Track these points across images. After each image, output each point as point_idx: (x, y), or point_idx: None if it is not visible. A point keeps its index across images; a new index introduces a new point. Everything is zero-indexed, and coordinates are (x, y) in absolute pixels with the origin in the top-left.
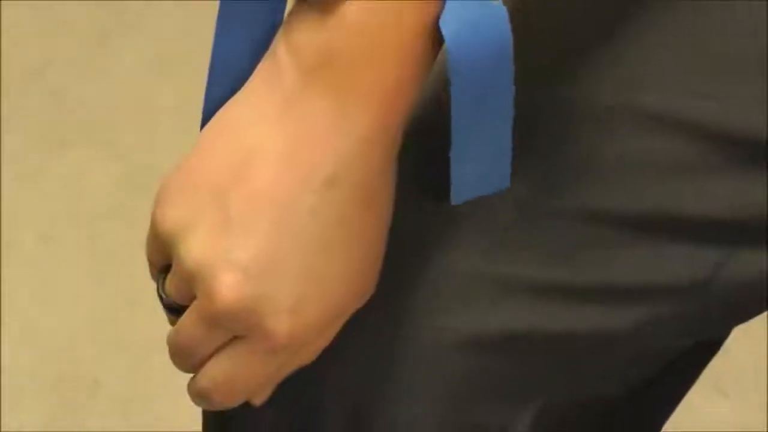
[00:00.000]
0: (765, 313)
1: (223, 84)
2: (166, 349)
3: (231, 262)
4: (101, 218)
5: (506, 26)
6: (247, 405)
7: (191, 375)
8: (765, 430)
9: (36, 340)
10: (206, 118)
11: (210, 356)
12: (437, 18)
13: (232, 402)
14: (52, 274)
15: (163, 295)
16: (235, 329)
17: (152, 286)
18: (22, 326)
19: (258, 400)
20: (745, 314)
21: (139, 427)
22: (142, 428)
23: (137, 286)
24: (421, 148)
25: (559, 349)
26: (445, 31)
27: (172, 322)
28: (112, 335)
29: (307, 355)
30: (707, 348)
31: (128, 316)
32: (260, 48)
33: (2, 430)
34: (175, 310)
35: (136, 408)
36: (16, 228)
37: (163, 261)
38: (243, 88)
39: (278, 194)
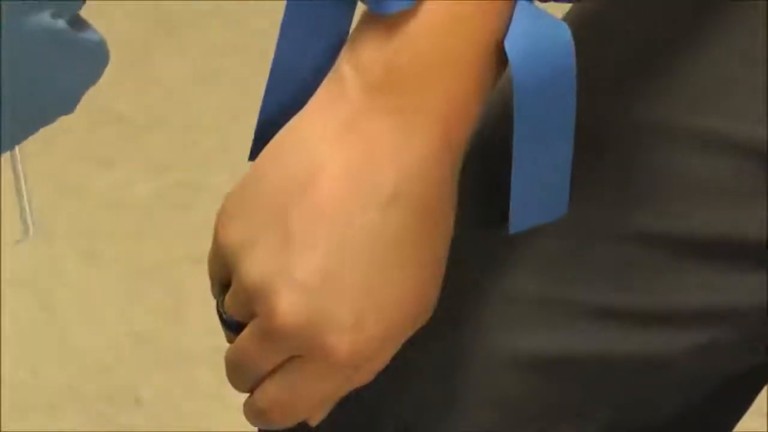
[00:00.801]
0: None
1: (282, 98)
2: (207, 365)
3: (291, 279)
4: (142, 234)
5: (570, 49)
6: (303, 424)
7: (234, 392)
8: (765, 428)
9: (77, 356)
10: (261, 127)
11: (268, 375)
12: (503, 37)
13: (290, 421)
14: (93, 290)
15: (223, 313)
16: (295, 348)
17: (193, 301)
18: (63, 342)
19: (315, 420)
20: None
21: None
22: None
23: (178, 303)
24: (482, 168)
25: (614, 372)
26: (510, 51)
27: (230, 340)
28: (153, 352)
29: (366, 374)
30: (761, 372)
31: (169, 332)
32: (323, 62)
33: None
34: (234, 328)
35: (177, 425)
36: (58, 244)
37: (224, 278)
38: (307, 105)
39: (339, 212)
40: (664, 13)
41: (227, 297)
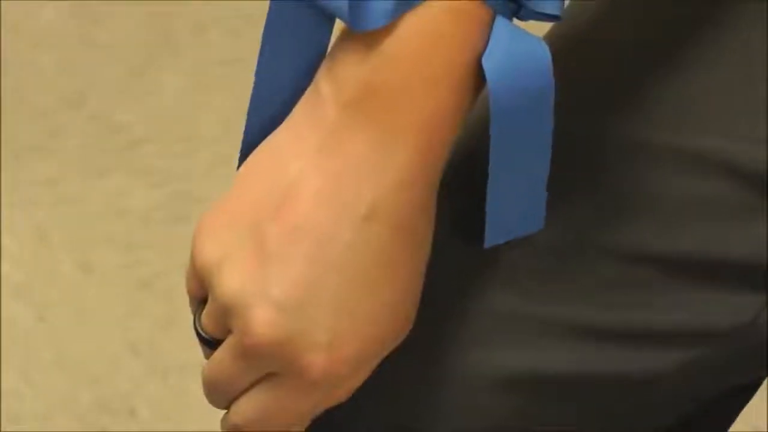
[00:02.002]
0: None
1: (264, 114)
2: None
3: (266, 297)
4: (139, 245)
5: (549, 66)
6: None
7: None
8: (765, 428)
9: (72, 366)
10: (246, 147)
11: (244, 391)
12: (481, 55)
13: None
14: (89, 300)
15: (199, 329)
16: (270, 365)
17: (189, 313)
18: (59, 352)
19: None
20: None
21: None
22: None
23: (174, 313)
24: (460, 184)
25: (596, 390)
26: (488, 68)
27: (207, 356)
28: (148, 363)
29: (342, 392)
30: (743, 391)
31: (165, 343)
32: (303, 79)
33: None
34: (210, 344)
35: (175, 428)
36: (55, 253)
37: (201, 294)
38: (285, 121)
39: (316, 229)
40: (648, 31)
41: (204, 313)
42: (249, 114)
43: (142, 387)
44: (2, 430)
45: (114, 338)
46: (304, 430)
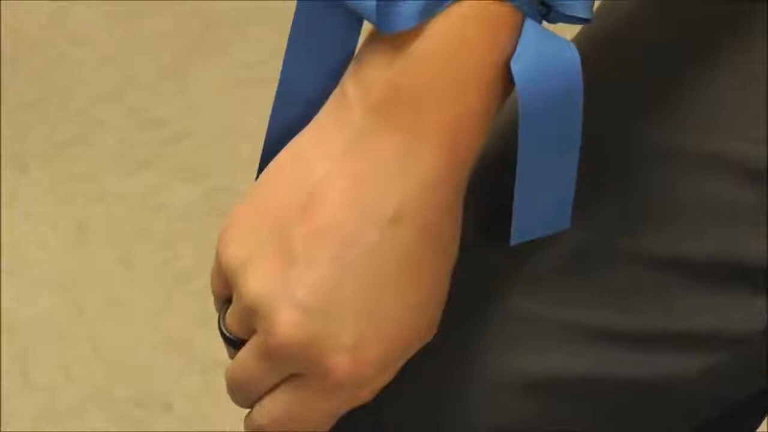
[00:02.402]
0: None
1: (288, 116)
2: None
3: (291, 298)
4: (176, 239)
5: (577, 69)
6: None
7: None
8: (765, 428)
9: (108, 360)
10: (268, 146)
11: (268, 392)
12: (509, 57)
13: None
14: (127, 294)
15: (224, 329)
16: (294, 367)
17: None
18: (95, 345)
19: None
20: None
21: None
22: None
23: (212, 309)
24: (487, 187)
25: (617, 395)
26: (516, 71)
27: (231, 356)
28: (185, 357)
29: (366, 393)
30: (766, 396)
31: (201, 338)
32: (329, 81)
33: None
34: (234, 344)
35: (206, 429)
36: (93, 247)
37: (225, 293)
38: (311, 123)
39: (341, 231)
40: (676, 32)
41: (228, 313)
42: (272, 114)
43: (178, 382)
44: (37, 422)
45: (151, 333)
46: (327, 431)
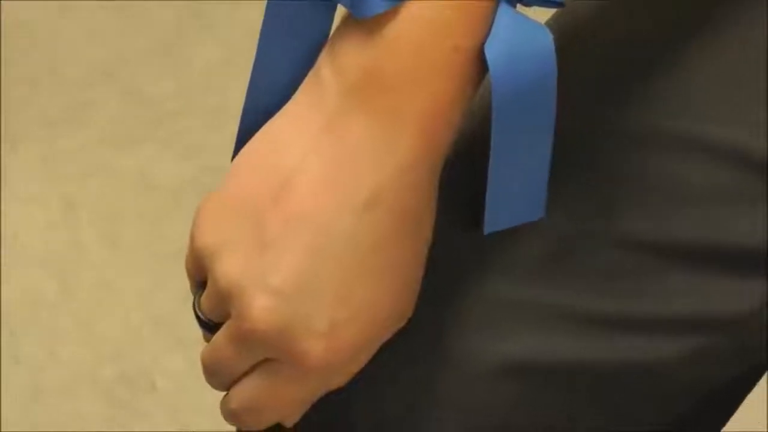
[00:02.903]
0: None
1: (263, 100)
2: None
3: (265, 284)
4: (167, 218)
5: (551, 53)
6: (279, 425)
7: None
8: (765, 428)
9: (95, 339)
10: (243, 130)
11: (242, 376)
12: (483, 42)
13: (262, 424)
14: (114, 272)
15: (198, 312)
16: (268, 351)
17: None
18: (82, 324)
19: (290, 422)
20: None
21: (193, 428)
22: (197, 429)
23: None
24: (463, 170)
25: (598, 379)
26: (490, 55)
27: (207, 339)
28: (171, 336)
29: (340, 378)
30: (750, 375)
31: (188, 317)
32: (303, 66)
33: (60, 427)
34: (209, 327)
35: (193, 410)
36: (81, 225)
37: (200, 276)
38: (285, 107)
39: (316, 216)
40: (650, 22)
41: (203, 297)
42: (246, 99)
43: (164, 361)
44: (23, 401)
45: (138, 312)
46: (301, 416)
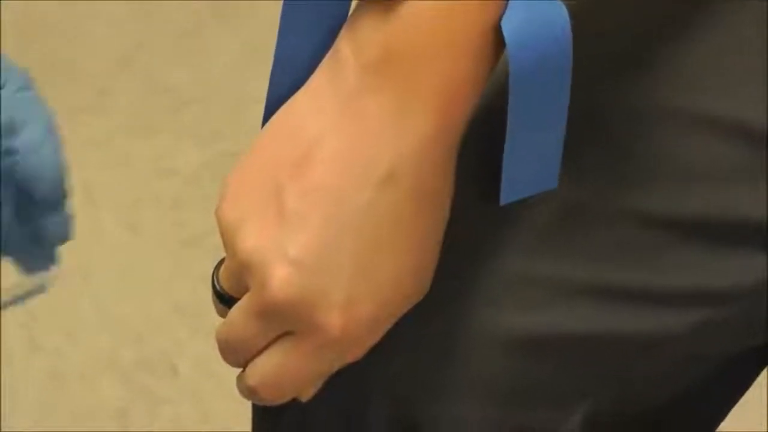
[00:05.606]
0: None
1: (285, 82)
2: None
3: (284, 255)
4: (185, 205)
5: (567, 29)
6: (295, 399)
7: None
8: (765, 428)
9: (114, 324)
10: (268, 113)
11: (259, 351)
12: (500, 18)
13: (281, 398)
14: (133, 259)
15: (217, 286)
16: (286, 324)
17: None
18: (101, 310)
19: (306, 396)
20: None
21: (214, 413)
22: (218, 414)
23: None
24: (478, 148)
25: (608, 352)
26: (507, 31)
27: (222, 314)
28: (191, 322)
29: (357, 351)
30: (761, 354)
31: (208, 303)
32: (323, 46)
33: (80, 411)
34: (226, 301)
35: (213, 395)
36: (101, 212)
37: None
38: (306, 84)
39: (334, 190)
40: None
41: (221, 270)
42: (270, 81)
43: (184, 346)
44: (43, 386)
45: (158, 297)
46: (317, 390)
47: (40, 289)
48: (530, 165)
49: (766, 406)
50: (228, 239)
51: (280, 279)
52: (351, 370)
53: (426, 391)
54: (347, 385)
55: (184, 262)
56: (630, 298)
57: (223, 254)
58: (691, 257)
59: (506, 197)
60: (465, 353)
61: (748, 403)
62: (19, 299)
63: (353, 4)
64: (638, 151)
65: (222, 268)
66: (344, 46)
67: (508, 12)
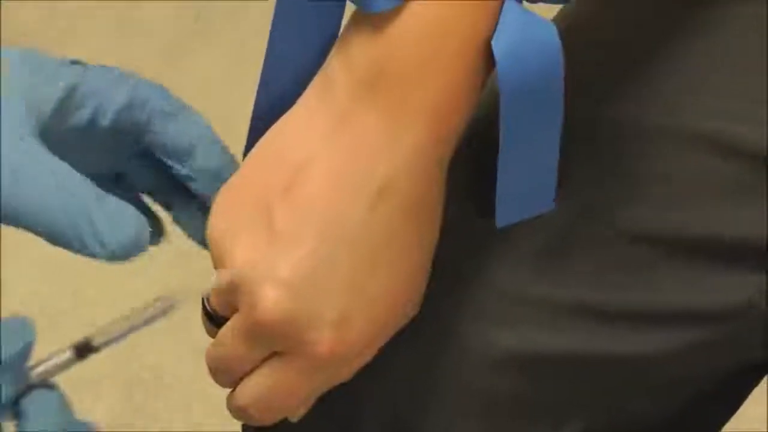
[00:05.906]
0: None
1: (274, 93)
2: None
3: (274, 275)
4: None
5: (558, 48)
6: (285, 419)
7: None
8: (765, 425)
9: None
10: (254, 126)
11: (249, 371)
12: (490, 37)
13: (271, 418)
14: (121, 274)
15: (207, 306)
16: (276, 344)
17: None
18: (91, 325)
19: (297, 416)
20: None
21: (207, 424)
22: (209, 423)
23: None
24: (471, 165)
25: (600, 371)
26: (497, 49)
27: (211, 334)
28: (183, 333)
29: (349, 370)
30: (752, 372)
31: (196, 316)
32: (314, 61)
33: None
34: (215, 321)
35: (204, 404)
36: None
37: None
38: (297, 102)
39: (326, 208)
40: (648, 16)
41: (212, 289)
42: (258, 94)
43: (173, 357)
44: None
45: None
46: (308, 409)
47: (170, 308)
48: (525, 186)
49: (766, 406)
50: (219, 257)
51: (269, 300)
52: (343, 387)
53: (418, 408)
54: (339, 403)
55: (176, 277)
56: (620, 317)
57: (212, 272)
58: (683, 276)
59: (502, 220)
60: (456, 370)
61: (748, 403)
62: (150, 320)
63: (343, 23)
64: (631, 170)
65: (212, 287)
66: (335, 63)
67: (498, 30)
